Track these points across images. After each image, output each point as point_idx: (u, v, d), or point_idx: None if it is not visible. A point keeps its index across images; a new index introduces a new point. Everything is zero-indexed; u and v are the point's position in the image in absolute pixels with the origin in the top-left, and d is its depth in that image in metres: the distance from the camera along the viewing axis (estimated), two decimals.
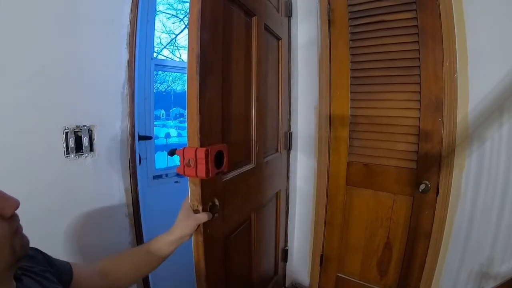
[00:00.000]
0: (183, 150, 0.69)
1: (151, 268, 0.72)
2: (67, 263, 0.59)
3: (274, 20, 1.25)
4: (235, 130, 0.94)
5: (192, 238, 0.74)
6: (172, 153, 0.74)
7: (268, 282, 1.41)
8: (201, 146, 0.70)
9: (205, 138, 0.72)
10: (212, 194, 0.78)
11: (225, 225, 0.88)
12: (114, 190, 1.03)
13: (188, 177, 0.72)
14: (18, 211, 0.38)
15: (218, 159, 0.74)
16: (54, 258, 0.56)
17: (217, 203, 0.80)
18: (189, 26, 0.69)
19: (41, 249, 0.55)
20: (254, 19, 1.04)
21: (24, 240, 0.40)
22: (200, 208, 0.72)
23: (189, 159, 0.68)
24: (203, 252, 0.74)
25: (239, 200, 0.99)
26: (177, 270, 1.38)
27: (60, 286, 0.51)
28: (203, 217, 0.71)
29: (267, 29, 1.17)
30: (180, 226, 0.70)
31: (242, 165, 1.01)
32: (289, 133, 1.54)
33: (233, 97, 0.92)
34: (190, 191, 0.72)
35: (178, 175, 1.83)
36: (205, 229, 0.74)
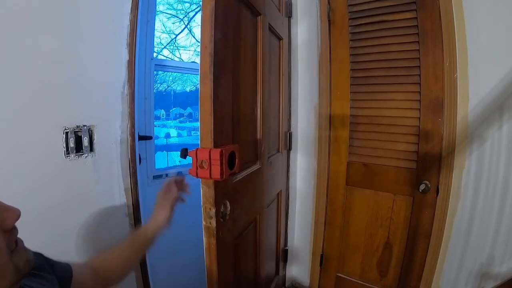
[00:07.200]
0: (196, 151, 0.67)
1: (137, 259, 0.75)
2: (67, 264, 0.58)
3: (276, 20, 1.25)
4: (243, 130, 0.94)
5: (204, 241, 0.74)
6: (184, 154, 0.72)
7: (270, 282, 1.41)
8: (215, 147, 0.68)
9: (218, 138, 0.70)
10: (224, 196, 0.77)
11: (235, 227, 0.88)
12: (114, 190, 1.03)
13: (200, 179, 0.70)
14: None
15: (231, 160, 0.72)
16: (55, 261, 0.56)
17: (228, 205, 0.79)
18: (202, 23, 0.68)
19: (43, 253, 0.54)
20: (259, 18, 1.04)
21: (28, 256, 0.37)
22: (214, 210, 0.71)
23: (202, 160, 0.66)
24: (215, 255, 0.74)
25: (247, 201, 0.98)
26: (177, 271, 1.37)
27: None
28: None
29: (271, 29, 1.17)
30: (157, 216, 0.74)
31: (249, 165, 1.01)
32: (289, 133, 1.54)
33: (241, 96, 0.92)
34: (203, 193, 0.71)
35: (178, 175, 1.83)
36: (218, 232, 0.73)
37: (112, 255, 0.69)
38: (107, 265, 0.67)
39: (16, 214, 0.35)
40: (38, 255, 0.52)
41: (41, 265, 0.50)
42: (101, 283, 0.65)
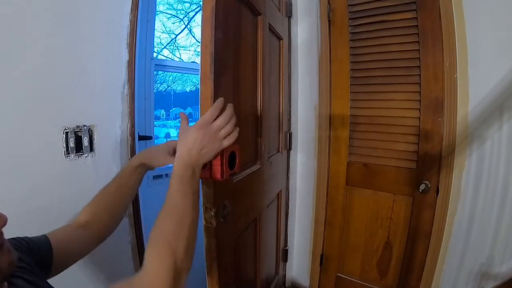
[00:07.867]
0: None
1: (127, 202, 0.73)
2: (44, 237, 0.57)
3: (276, 20, 1.25)
4: (243, 130, 0.94)
5: (204, 242, 0.73)
6: None
7: (270, 282, 1.41)
8: None
9: None
10: (224, 196, 0.77)
11: (235, 227, 0.88)
12: None
13: (200, 179, 0.69)
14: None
15: (231, 160, 0.72)
16: (31, 239, 0.54)
17: (228, 205, 0.79)
18: (202, 23, 0.68)
19: (19, 236, 0.52)
20: (259, 18, 1.04)
21: (12, 257, 0.38)
22: (214, 210, 0.71)
23: None
24: (215, 255, 0.74)
25: (247, 201, 0.98)
26: None
27: (45, 281, 0.49)
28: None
29: (271, 29, 1.17)
30: (149, 154, 0.71)
31: (249, 165, 1.01)
32: (289, 133, 1.54)
33: (242, 96, 0.92)
34: (203, 193, 0.71)
35: None
36: (218, 232, 0.73)
37: (101, 201, 0.68)
38: (95, 214, 0.66)
39: (3, 220, 0.36)
40: (14, 241, 0.50)
41: (22, 252, 0.49)
42: (97, 235, 0.65)
